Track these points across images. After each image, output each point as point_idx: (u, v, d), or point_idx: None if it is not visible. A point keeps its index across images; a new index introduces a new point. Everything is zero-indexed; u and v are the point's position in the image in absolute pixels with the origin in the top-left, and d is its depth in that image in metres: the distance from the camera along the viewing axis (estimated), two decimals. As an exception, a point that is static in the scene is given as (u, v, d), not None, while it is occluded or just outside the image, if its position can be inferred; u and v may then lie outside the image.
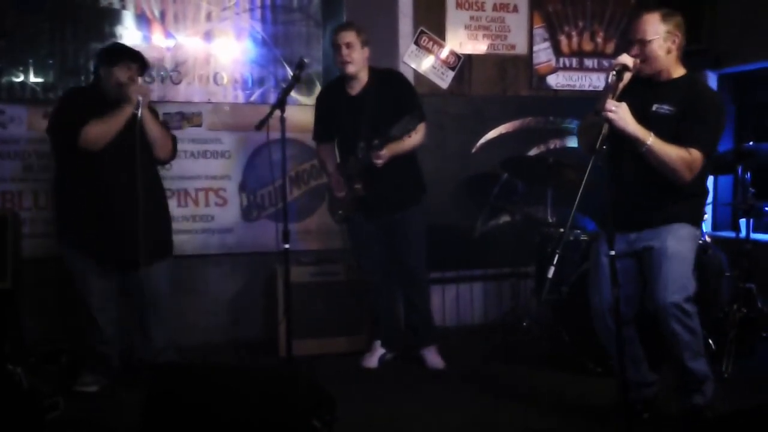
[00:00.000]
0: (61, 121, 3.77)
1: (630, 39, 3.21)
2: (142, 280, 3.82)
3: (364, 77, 4.18)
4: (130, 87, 3.69)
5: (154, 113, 3.97)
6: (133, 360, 4.06)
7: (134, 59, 3.82)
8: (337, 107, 4.25)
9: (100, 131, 3.68)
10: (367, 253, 4.39)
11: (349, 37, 4.07)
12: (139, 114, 3.64)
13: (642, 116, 3.13)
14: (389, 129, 3.86)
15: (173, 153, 4.05)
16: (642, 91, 3.20)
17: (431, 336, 4.47)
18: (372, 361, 4.41)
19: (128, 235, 3.67)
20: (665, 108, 3.16)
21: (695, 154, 3.07)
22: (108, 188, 3.78)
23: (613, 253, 2.93)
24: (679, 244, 3.19)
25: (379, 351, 4.45)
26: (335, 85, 4.35)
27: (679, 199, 3.21)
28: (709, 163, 3.22)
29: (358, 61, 4.11)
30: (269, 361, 4.51)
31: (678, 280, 3.17)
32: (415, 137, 4.11)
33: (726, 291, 4.41)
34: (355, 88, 4.20)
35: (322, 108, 4.38)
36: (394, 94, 4.15)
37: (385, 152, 3.97)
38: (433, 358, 4.39)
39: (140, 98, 3.65)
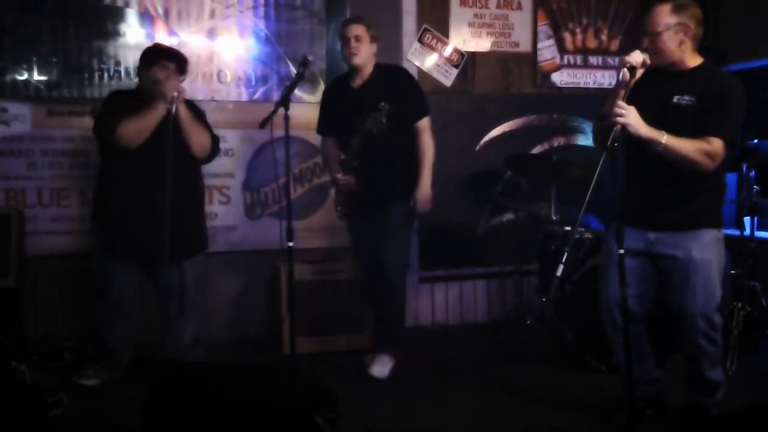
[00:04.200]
0: (102, 122, 3.87)
1: (642, 31, 3.19)
2: (170, 279, 3.88)
3: (368, 71, 4.15)
4: (165, 83, 3.75)
5: (197, 112, 4.02)
6: (147, 356, 4.07)
7: (171, 59, 3.90)
8: (339, 100, 4.23)
9: (134, 128, 3.76)
10: (362, 250, 4.34)
11: (359, 30, 4.06)
12: (173, 110, 3.68)
13: (662, 108, 3.12)
14: (363, 125, 3.86)
15: (212, 152, 4.08)
16: (660, 82, 3.16)
17: (390, 343, 4.24)
18: (383, 371, 4.17)
19: (157, 232, 3.69)
20: (686, 99, 3.11)
21: (715, 143, 3.02)
22: (142, 186, 3.83)
23: (622, 251, 2.91)
24: (703, 251, 3.16)
25: (389, 363, 4.20)
26: (341, 79, 4.34)
27: (698, 193, 3.16)
28: (730, 154, 3.17)
29: (365, 54, 4.08)
30: (272, 358, 4.52)
31: (707, 288, 3.16)
32: (429, 142, 4.11)
33: (730, 289, 4.40)
34: (357, 82, 4.16)
35: (326, 101, 4.37)
36: (393, 87, 4.09)
37: (423, 192, 4.07)
38: (380, 366, 4.15)
39: (174, 94, 3.70)
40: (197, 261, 4.13)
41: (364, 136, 3.91)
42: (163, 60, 3.87)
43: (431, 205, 4.13)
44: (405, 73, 4.33)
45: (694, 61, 3.18)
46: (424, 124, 4.13)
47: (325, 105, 4.36)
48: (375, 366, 4.16)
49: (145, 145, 3.79)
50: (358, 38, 4.05)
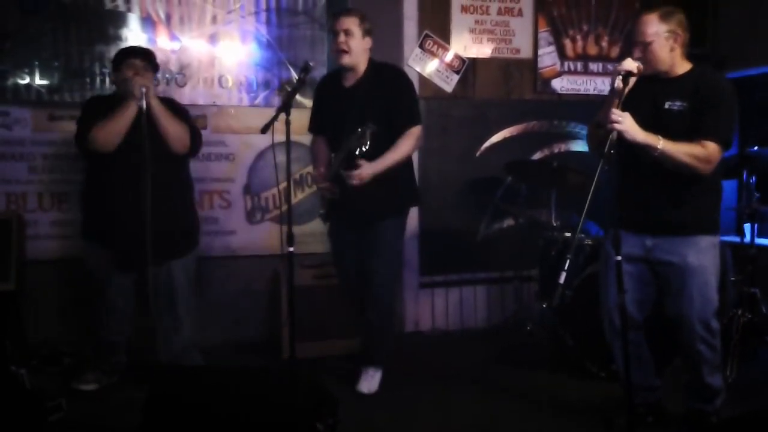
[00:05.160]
0: (80, 128, 3.84)
1: (632, 41, 3.21)
2: (156, 279, 3.84)
3: (361, 69, 3.89)
4: (133, 80, 3.72)
5: (176, 108, 3.96)
6: (144, 360, 4.06)
7: (137, 56, 3.86)
8: (330, 99, 4.05)
9: (106, 131, 3.73)
10: (341, 257, 4.18)
11: (349, 23, 3.80)
12: (143, 105, 3.65)
13: (654, 114, 3.13)
14: (347, 142, 3.68)
15: (194, 146, 3.98)
16: (651, 88, 3.17)
17: (378, 358, 4.10)
18: (372, 386, 4.05)
19: (141, 232, 3.67)
20: (677, 104, 3.13)
21: (710, 146, 3.04)
22: (123, 185, 3.80)
23: (619, 258, 2.91)
24: (700, 257, 3.17)
25: (377, 375, 4.10)
26: (333, 75, 4.10)
27: (694, 197, 3.17)
28: (726, 157, 3.18)
29: (356, 50, 3.82)
30: (272, 362, 4.51)
31: (704, 294, 3.16)
32: (406, 146, 3.84)
33: (730, 295, 4.40)
34: (350, 80, 3.92)
35: (317, 99, 4.18)
36: (387, 90, 3.87)
37: (366, 171, 3.70)
38: (367, 381, 4.03)
39: (143, 90, 3.66)
40: (188, 262, 4.05)
41: (346, 155, 3.72)
42: (129, 59, 3.82)
43: (358, 183, 3.75)
44: (400, 76, 4.05)
45: (683, 66, 3.20)
46: (413, 132, 3.87)
47: (316, 103, 4.18)
48: (362, 382, 4.03)
49: (124, 145, 3.73)
50: (348, 32, 3.79)
